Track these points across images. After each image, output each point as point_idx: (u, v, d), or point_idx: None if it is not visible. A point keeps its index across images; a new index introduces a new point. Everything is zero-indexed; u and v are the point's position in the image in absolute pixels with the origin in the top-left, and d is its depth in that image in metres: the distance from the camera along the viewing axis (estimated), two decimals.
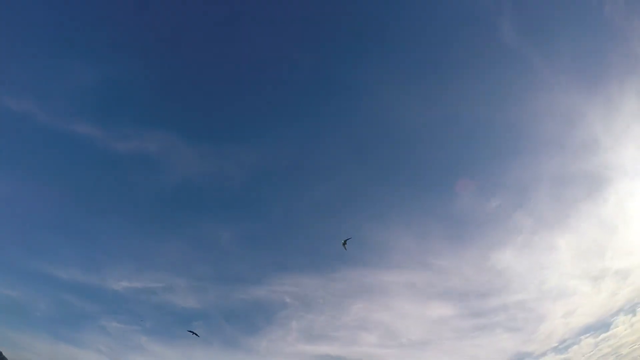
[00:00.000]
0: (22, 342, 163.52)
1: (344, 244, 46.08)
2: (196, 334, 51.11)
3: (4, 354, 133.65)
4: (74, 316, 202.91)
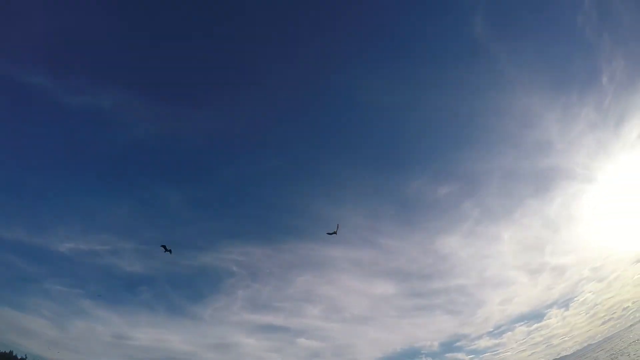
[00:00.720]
0: None
1: (334, 232, 43.85)
2: (169, 250, 46.56)
3: None
4: (17, 279, 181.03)
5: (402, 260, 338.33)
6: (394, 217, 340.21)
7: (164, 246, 46.92)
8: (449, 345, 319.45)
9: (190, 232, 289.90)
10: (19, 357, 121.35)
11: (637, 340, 34.31)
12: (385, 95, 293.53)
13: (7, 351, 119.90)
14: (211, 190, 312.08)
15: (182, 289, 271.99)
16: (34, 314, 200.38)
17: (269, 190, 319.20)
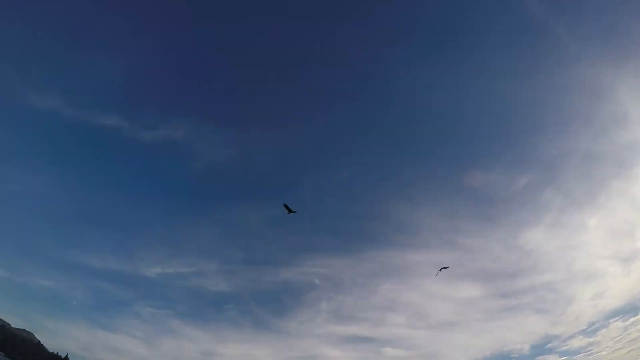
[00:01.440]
0: (60, 330, 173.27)
1: (289, 210, 42.40)
2: (293, 211, 41.34)
3: (42, 342, 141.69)
4: (109, 303, 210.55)
5: (485, 259, 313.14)
6: (472, 214, 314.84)
7: (286, 205, 42.68)
8: (541, 347, 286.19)
9: (271, 248, 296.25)
10: None
11: None
12: (451, 91, 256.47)
13: None
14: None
15: (267, 305, 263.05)
16: (126, 334, 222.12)
17: (344, 201, 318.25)
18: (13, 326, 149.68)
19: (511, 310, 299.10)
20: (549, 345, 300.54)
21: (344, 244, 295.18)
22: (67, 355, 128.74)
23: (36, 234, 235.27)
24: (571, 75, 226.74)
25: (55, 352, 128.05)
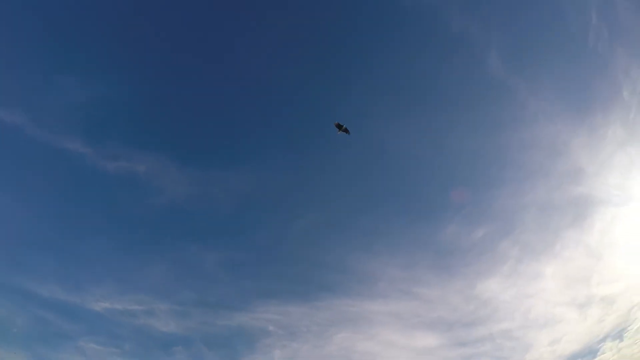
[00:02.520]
0: None
1: (342, 129, 35.16)
2: (345, 130, 36.29)
3: None
4: (52, 335, 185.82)
5: (442, 309, 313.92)
6: (431, 265, 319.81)
7: (338, 124, 35.78)
8: None
9: (226, 292, 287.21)
10: None
11: None
12: (409, 144, 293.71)
13: None
14: (246, 250, 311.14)
15: (217, 349, 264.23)
16: None
17: (303, 248, 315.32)
18: None
19: (469, 358, 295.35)
20: None
21: (300, 291, 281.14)
22: None
23: None
24: (531, 132, 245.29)
25: None
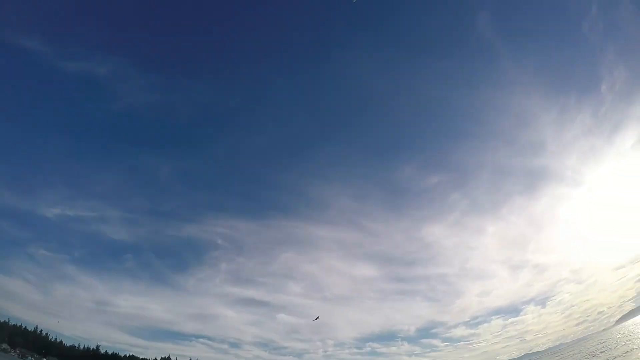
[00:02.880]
0: None
1: None
2: None
3: None
4: (1, 242, 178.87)
5: (386, 244, 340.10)
6: (381, 201, 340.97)
7: None
8: (426, 331, 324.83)
9: (178, 203, 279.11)
10: (1, 321, 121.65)
11: (610, 344, 34.96)
12: (380, 81, 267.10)
13: None
14: (201, 163, 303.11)
15: (166, 259, 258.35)
16: (18, 277, 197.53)
17: (258, 167, 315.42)
18: None
19: (403, 294, 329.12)
20: (434, 330, 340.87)
21: (251, 209, 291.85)
22: None
23: None
24: (504, 97, 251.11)
25: None
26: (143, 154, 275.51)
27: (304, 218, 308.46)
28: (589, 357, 24.47)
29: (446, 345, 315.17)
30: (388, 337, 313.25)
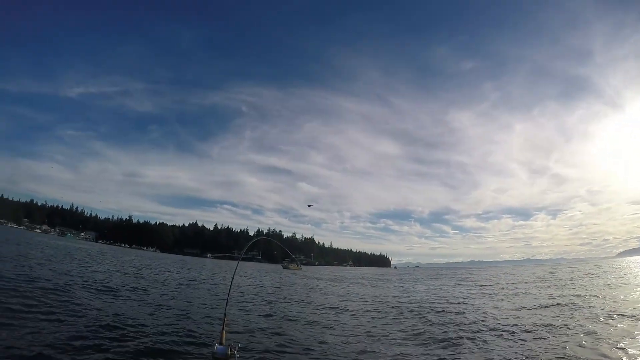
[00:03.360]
0: None
1: None
2: None
3: None
4: (29, 128, 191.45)
5: (410, 123, 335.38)
6: (410, 79, 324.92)
7: None
8: (438, 216, 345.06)
9: (202, 70, 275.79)
10: (39, 204, 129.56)
11: (604, 271, 34.22)
12: None
13: (28, 200, 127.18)
14: (224, 30, 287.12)
15: (191, 127, 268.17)
16: (49, 160, 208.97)
17: (284, 33, 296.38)
18: None
19: (422, 176, 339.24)
20: (446, 217, 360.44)
21: (276, 76, 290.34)
22: None
23: None
24: None
25: None
26: (163, 22, 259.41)
27: (329, 88, 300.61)
28: (582, 279, 23.71)
29: (455, 234, 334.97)
30: (402, 215, 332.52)
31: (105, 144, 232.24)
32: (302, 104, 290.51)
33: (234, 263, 72.04)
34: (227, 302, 4.55)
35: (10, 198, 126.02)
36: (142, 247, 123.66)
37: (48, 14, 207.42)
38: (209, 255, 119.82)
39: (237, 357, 3.33)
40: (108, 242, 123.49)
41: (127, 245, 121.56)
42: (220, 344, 3.48)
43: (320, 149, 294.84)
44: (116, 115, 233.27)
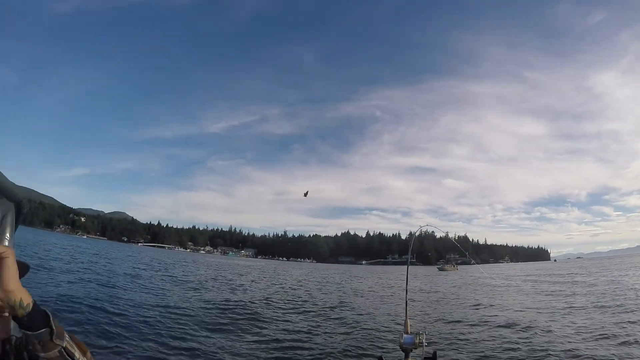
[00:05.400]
0: (146, 202, 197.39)
1: None
2: None
3: (135, 217, 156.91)
4: (184, 166, 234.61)
5: (549, 96, 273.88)
6: (539, 47, 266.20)
7: None
8: (597, 197, 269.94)
9: (329, 84, 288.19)
10: (200, 229, 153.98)
11: None
12: None
13: (191, 226, 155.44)
14: (340, 40, 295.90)
15: (330, 140, 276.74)
16: (205, 189, 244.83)
17: (400, 27, 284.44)
18: (106, 212, 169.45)
19: (573, 153, 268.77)
20: (606, 197, 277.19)
21: (401, 75, 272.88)
22: (159, 222, 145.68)
23: (102, 121, 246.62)
24: None
25: (148, 222, 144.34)
26: (282, 47, 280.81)
27: (457, 75, 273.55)
28: None
29: (618, 215, 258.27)
30: (557, 201, 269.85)
31: (253, 168, 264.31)
32: (434, 97, 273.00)
33: (388, 268, 68.62)
34: (406, 292, 4.27)
35: (175, 226, 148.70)
36: (298, 259, 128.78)
37: (181, 65, 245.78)
38: (363, 262, 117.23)
39: (425, 345, 3.06)
40: (267, 257, 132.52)
41: (284, 259, 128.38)
42: (407, 332, 3.23)
43: (460, 141, 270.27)
44: (259, 140, 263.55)
